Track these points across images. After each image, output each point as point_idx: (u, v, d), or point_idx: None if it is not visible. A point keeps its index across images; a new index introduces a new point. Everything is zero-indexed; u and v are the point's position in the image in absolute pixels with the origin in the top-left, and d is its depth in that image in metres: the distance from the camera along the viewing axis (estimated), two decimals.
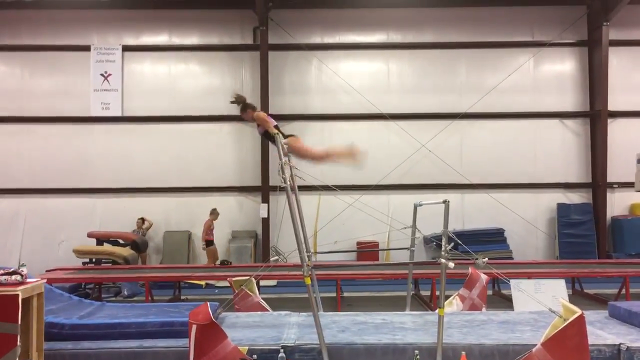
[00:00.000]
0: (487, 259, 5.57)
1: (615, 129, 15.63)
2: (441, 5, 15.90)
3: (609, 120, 15.47)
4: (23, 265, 5.06)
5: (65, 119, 15.72)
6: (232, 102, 7.11)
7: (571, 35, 15.91)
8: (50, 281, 10.86)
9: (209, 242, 13.81)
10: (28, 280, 4.99)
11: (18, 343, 4.61)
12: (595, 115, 15.64)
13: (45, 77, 15.96)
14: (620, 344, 5.63)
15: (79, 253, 13.83)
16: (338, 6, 15.85)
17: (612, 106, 15.45)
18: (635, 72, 16.03)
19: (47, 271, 12.45)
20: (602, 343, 5.67)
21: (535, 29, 15.98)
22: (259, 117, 6.98)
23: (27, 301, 4.86)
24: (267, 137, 7.15)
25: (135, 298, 12.59)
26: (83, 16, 15.87)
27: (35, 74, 15.98)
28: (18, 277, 4.83)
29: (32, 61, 15.96)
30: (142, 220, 15.03)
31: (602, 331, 6.14)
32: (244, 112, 7.07)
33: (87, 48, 15.80)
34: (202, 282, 13.60)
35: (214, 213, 13.98)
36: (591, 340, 5.26)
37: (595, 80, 15.66)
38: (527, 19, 16.00)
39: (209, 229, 13.81)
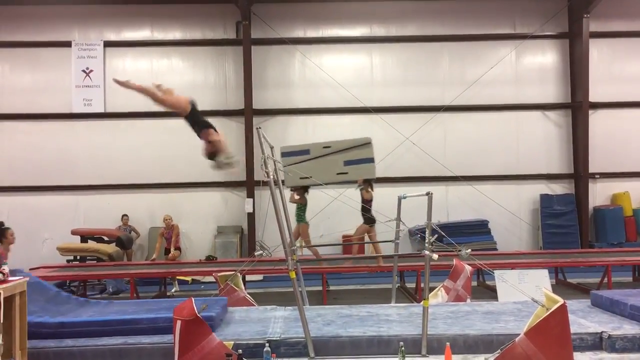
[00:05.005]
0: (470, 250, 5.64)
1: (597, 120, 15.77)
2: None
3: (590, 112, 15.59)
4: (4, 263, 5.03)
5: (47, 115, 15.51)
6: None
7: (552, 28, 16.00)
8: None
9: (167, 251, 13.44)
10: (10, 278, 4.96)
11: (0, 342, 4.58)
12: (576, 106, 15.76)
13: (25, 73, 15.73)
14: (602, 332, 5.72)
15: (63, 251, 13.70)
16: (321, 0, 15.80)
17: (593, 97, 15.56)
18: (616, 64, 16.14)
19: (30, 269, 12.33)
20: (584, 331, 5.76)
21: (516, 21, 16.05)
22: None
23: (9, 299, 4.83)
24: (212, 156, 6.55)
25: (120, 295, 12.54)
26: (63, 12, 15.67)
27: (16, 70, 15.75)
28: None
29: (12, 57, 15.72)
30: (127, 217, 14.93)
31: (585, 320, 6.23)
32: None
33: (68, 44, 15.60)
34: (188, 278, 13.57)
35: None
36: (574, 328, 5.34)
37: (576, 72, 15.76)
38: (509, 12, 16.04)
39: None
